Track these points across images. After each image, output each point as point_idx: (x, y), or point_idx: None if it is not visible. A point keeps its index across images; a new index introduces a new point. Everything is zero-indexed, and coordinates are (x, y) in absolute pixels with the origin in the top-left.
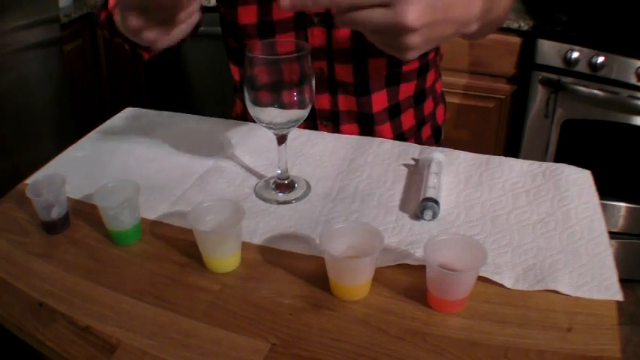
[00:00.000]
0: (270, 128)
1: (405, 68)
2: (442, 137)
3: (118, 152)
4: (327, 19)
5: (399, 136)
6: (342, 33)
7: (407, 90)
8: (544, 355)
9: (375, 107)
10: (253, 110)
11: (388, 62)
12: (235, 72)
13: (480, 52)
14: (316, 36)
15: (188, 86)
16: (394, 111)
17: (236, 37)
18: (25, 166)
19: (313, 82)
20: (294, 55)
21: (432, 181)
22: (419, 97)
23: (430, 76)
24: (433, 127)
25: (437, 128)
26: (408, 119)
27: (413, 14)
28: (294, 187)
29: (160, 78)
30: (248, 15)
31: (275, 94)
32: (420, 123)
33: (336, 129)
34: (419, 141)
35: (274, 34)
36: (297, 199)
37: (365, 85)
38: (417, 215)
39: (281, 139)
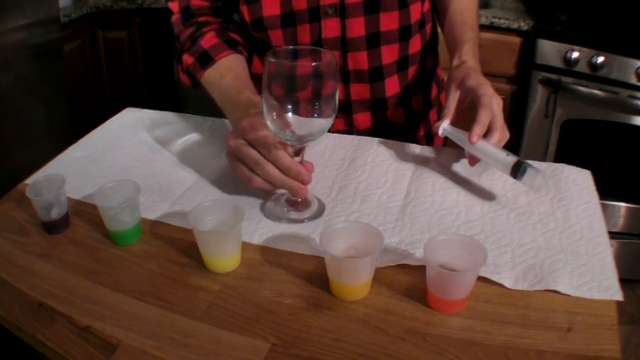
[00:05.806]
0: (287, 140)
1: (411, 51)
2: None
3: (118, 152)
4: (341, 9)
5: (411, 120)
6: (356, 22)
7: (414, 73)
8: (544, 355)
9: (389, 92)
10: (270, 119)
11: (400, 46)
12: (258, 65)
13: (480, 52)
14: (330, 27)
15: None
16: (406, 94)
17: (258, 31)
18: (25, 166)
19: (337, 95)
20: (319, 63)
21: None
22: (424, 80)
23: (429, 59)
24: (439, 113)
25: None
26: (417, 102)
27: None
28: (308, 205)
29: (160, 78)
30: (272, 7)
31: (293, 103)
32: (428, 106)
33: (348, 119)
34: (428, 125)
35: (295, 25)
36: (309, 219)
37: (379, 71)
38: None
39: (297, 152)
